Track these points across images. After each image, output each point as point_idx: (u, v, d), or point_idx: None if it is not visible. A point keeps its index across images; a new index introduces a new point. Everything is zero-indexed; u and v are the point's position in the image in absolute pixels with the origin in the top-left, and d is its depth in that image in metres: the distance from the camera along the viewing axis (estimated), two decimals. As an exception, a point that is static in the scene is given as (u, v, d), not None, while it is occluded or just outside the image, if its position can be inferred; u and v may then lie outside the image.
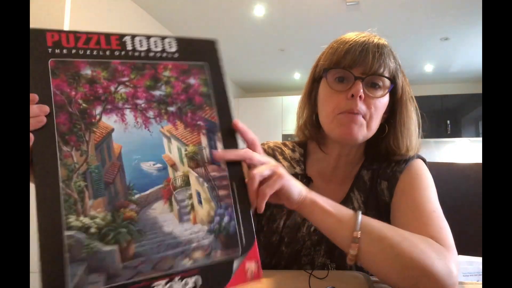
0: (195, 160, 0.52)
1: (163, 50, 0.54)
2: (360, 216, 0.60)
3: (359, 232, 0.59)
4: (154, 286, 0.45)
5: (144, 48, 0.53)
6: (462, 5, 3.29)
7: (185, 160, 0.52)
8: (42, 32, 0.48)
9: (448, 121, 5.35)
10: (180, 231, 0.48)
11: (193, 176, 0.52)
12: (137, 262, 0.45)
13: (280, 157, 0.90)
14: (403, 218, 0.71)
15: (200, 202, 0.51)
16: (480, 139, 5.11)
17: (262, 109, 5.92)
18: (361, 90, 0.73)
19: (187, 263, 0.47)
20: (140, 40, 0.53)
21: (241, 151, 0.55)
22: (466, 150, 5.47)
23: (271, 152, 0.91)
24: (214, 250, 0.49)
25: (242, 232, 0.51)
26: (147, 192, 0.48)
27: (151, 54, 0.53)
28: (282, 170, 0.57)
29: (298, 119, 0.90)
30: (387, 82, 0.76)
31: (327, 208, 0.61)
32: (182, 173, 0.51)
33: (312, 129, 0.87)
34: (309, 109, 0.87)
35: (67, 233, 0.43)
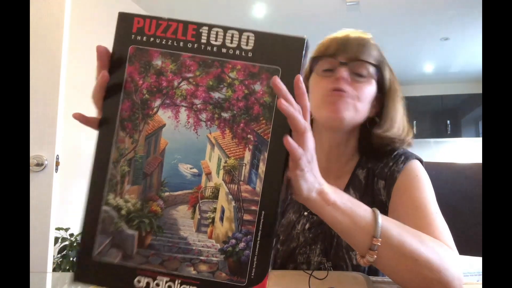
0: (231, 175, 0.50)
1: (238, 47, 0.50)
2: (380, 220, 0.57)
3: (380, 239, 0.56)
4: (157, 280, 0.47)
5: (219, 42, 0.50)
6: (462, 5, 3.29)
7: (221, 172, 0.50)
8: (131, 17, 0.51)
9: (448, 121, 5.36)
10: (194, 240, 0.49)
11: (223, 190, 0.50)
12: (149, 252, 0.48)
13: None
14: (404, 219, 0.70)
15: (221, 219, 0.50)
16: (480, 139, 5.11)
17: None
18: (346, 74, 0.76)
19: (191, 271, 0.48)
20: (216, 32, 0.50)
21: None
22: (466, 150, 5.46)
23: None
24: (219, 270, 0.48)
25: (255, 264, 0.48)
26: (176, 193, 0.50)
27: (224, 50, 0.49)
28: (304, 164, 0.50)
29: None
30: (372, 70, 0.79)
31: (342, 209, 0.55)
32: (214, 185, 0.50)
33: None
34: None
35: (104, 207, 0.48)
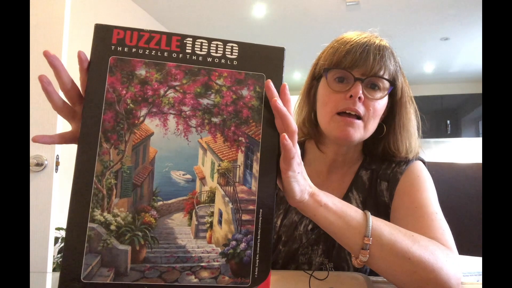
0: (225, 177, 0.50)
1: (223, 56, 0.51)
2: (371, 220, 0.58)
3: (371, 238, 0.57)
4: None
5: (204, 52, 0.51)
6: (462, 5, 3.29)
7: (215, 175, 0.50)
8: (110, 29, 0.50)
9: (448, 121, 5.35)
10: (193, 247, 0.48)
11: (219, 193, 0.50)
12: (144, 267, 0.47)
13: None
14: (405, 220, 0.70)
15: (220, 222, 0.50)
16: (480, 139, 5.11)
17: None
18: (360, 92, 0.73)
19: (192, 280, 0.47)
20: (201, 43, 0.51)
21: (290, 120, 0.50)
22: (466, 150, 5.46)
23: None
24: (222, 274, 0.48)
25: (257, 263, 0.49)
26: (170, 201, 0.49)
27: (209, 59, 0.51)
28: (296, 165, 0.52)
29: (296, 116, 0.89)
30: (387, 84, 0.76)
31: (334, 210, 0.57)
32: (209, 189, 0.50)
33: (310, 127, 0.86)
34: (308, 106, 0.87)
35: (90, 225, 0.46)
